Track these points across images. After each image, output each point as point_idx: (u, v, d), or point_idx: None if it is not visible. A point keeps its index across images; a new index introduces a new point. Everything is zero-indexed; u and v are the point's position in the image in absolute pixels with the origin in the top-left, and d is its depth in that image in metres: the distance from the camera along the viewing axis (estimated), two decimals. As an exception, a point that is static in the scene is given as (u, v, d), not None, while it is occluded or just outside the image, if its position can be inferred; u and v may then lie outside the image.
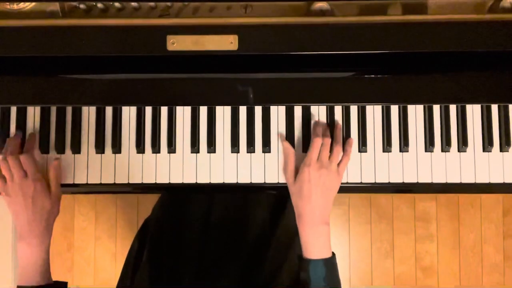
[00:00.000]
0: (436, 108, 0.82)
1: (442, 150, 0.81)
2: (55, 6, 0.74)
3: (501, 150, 0.81)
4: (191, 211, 0.91)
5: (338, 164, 0.75)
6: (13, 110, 0.81)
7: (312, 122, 0.82)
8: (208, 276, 0.83)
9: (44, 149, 0.80)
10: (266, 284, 0.81)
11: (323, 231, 0.71)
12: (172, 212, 0.93)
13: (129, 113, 0.81)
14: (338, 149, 0.75)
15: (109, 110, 0.81)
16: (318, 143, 0.74)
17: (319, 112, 0.82)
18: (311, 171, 0.72)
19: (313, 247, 0.70)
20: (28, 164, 0.73)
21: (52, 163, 0.78)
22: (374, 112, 0.82)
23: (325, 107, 0.82)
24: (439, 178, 0.80)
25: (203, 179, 0.81)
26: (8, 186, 0.73)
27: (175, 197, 0.95)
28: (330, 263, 0.69)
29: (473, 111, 0.82)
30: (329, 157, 0.75)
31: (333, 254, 0.71)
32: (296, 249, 0.87)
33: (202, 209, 0.91)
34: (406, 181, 0.81)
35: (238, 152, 0.81)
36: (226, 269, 0.84)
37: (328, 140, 0.75)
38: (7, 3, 0.73)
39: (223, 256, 0.85)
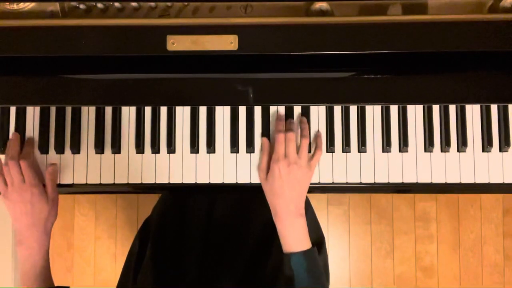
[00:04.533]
0: (436, 108, 0.82)
1: (442, 150, 0.81)
2: (55, 6, 0.74)
3: (500, 150, 0.81)
4: (193, 211, 0.92)
5: (311, 158, 0.76)
6: (13, 110, 0.81)
7: (274, 118, 0.81)
8: (210, 275, 0.83)
9: (44, 149, 0.81)
10: (269, 282, 0.81)
11: (300, 223, 0.71)
12: (174, 212, 0.93)
13: (128, 113, 0.82)
14: (304, 142, 0.75)
15: (108, 110, 0.81)
16: (281, 138, 0.74)
17: (319, 112, 0.82)
18: (280, 168, 0.72)
19: (292, 241, 0.70)
20: (26, 170, 0.74)
21: (48, 169, 0.78)
22: (373, 112, 0.82)
23: (324, 107, 0.82)
24: (438, 178, 0.80)
25: (202, 179, 0.81)
26: (8, 191, 0.74)
27: (176, 197, 0.95)
28: (310, 254, 0.70)
29: (473, 111, 0.81)
30: (298, 151, 0.75)
31: (313, 245, 0.72)
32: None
33: (204, 208, 0.91)
34: (405, 181, 0.81)
35: (237, 152, 0.81)
36: (229, 268, 0.84)
37: (291, 135, 0.74)
38: (7, 3, 0.73)
39: (225, 255, 0.85)
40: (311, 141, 0.81)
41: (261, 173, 0.76)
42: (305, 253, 0.70)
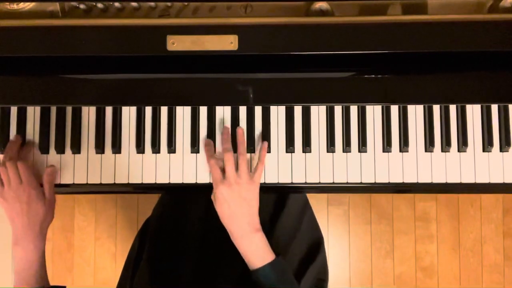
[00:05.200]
0: (436, 108, 0.82)
1: (442, 150, 0.81)
2: (55, 6, 0.74)
3: (501, 150, 0.81)
4: (191, 211, 0.91)
5: (254, 173, 0.75)
6: (13, 110, 0.81)
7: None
8: (207, 276, 0.83)
9: (44, 149, 0.80)
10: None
11: (258, 238, 0.71)
12: (172, 212, 0.93)
13: (129, 113, 0.81)
14: (241, 160, 0.74)
15: (109, 110, 0.81)
16: (212, 163, 0.74)
17: (319, 112, 0.82)
18: (222, 191, 0.72)
19: (255, 257, 0.70)
20: (24, 171, 0.74)
21: (46, 170, 0.78)
22: (374, 112, 0.82)
23: (325, 107, 0.82)
24: (439, 178, 0.80)
25: (203, 179, 0.81)
26: (5, 191, 0.74)
27: (175, 197, 0.95)
28: (276, 265, 0.70)
29: (473, 111, 0.81)
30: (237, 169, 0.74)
31: (277, 255, 0.72)
32: (294, 249, 0.87)
33: (203, 208, 0.91)
34: (406, 181, 0.81)
35: (238, 152, 0.81)
36: (226, 268, 0.84)
37: (228, 155, 0.74)
38: (7, 3, 0.73)
39: (222, 255, 0.85)
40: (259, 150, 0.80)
41: (212, 196, 0.75)
42: (271, 265, 0.70)
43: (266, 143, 0.79)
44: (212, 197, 0.75)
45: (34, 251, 0.73)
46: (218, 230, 0.88)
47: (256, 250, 0.71)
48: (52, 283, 0.76)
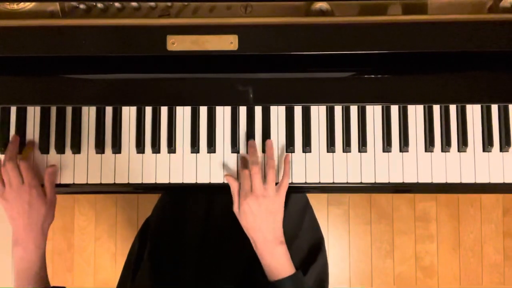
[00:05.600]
0: (436, 108, 0.82)
1: (442, 150, 0.81)
2: (55, 6, 0.74)
3: (501, 150, 0.81)
4: (192, 211, 0.92)
5: (279, 186, 0.74)
6: (13, 110, 0.81)
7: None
8: (208, 276, 0.83)
9: (44, 149, 0.80)
10: (266, 283, 0.81)
11: (281, 251, 0.72)
12: (173, 212, 0.93)
13: (129, 113, 0.81)
14: (271, 173, 0.74)
15: (109, 110, 0.81)
16: (245, 174, 0.74)
17: (319, 112, 0.82)
18: (249, 203, 0.72)
19: (276, 269, 0.71)
20: (25, 171, 0.74)
21: (47, 170, 0.78)
22: (374, 112, 0.82)
23: (325, 107, 0.82)
24: (439, 178, 0.80)
25: (203, 179, 0.81)
26: (6, 191, 0.74)
27: (175, 197, 0.95)
28: (296, 279, 0.70)
29: (473, 111, 0.81)
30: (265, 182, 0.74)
31: (297, 269, 0.72)
32: (295, 250, 0.87)
33: (203, 208, 0.91)
34: (406, 181, 0.81)
35: (238, 152, 0.81)
36: (227, 268, 0.84)
37: (255, 168, 0.73)
38: (7, 3, 0.73)
39: (223, 255, 0.85)
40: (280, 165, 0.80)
41: (235, 209, 0.75)
42: (291, 278, 0.70)
43: (289, 156, 0.78)
44: (235, 208, 0.75)
45: (34, 251, 0.73)
46: (218, 230, 0.89)
47: (278, 262, 0.71)
48: (52, 283, 0.76)
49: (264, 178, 0.75)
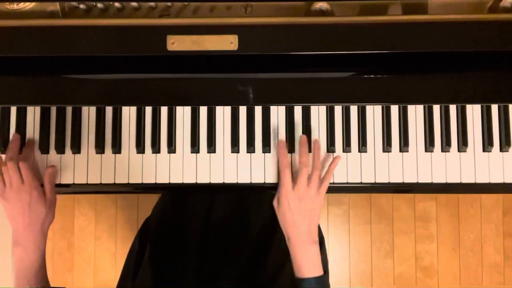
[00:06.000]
0: (436, 108, 0.82)
1: (442, 150, 0.81)
2: (55, 6, 0.74)
3: (501, 150, 0.81)
4: (192, 211, 0.92)
5: (321, 185, 0.75)
6: (13, 110, 0.81)
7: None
8: (210, 276, 0.83)
9: (44, 149, 0.80)
10: (268, 283, 0.81)
11: (313, 251, 0.72)
12: (173, 212, 0.93)
13: (129, 113, 0.81)
14: (316, 174, 0.74)
15: (109, 110, 0.81)
16: (287, 172, 0.74)
17: (319, 112, 0.82)
18: (289, 201, 0.73)
19: (305, 267, 0.71)
20: (25, 171, 0.74)
21: (47, 170, 0.78)
22: (374, 112, 0.82)
23: (325, 107, 0.82)
24: (439, 178, 0.80)
25: (203, 179, 0.81)
26: (6, 191, 0.74)
27: (176, 197, 0.95)
28: (322, 281, 0.71)
29: (473, 111, 0.81)
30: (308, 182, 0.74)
31: (325, 272, 0.73)
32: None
33: (203, 208, 0.91)
34: (406, 181, 0.81)
35: (238, 152, 0.81)
36: (228, 268, 0.84)
37: (305, 169, 0.74)
38: (7, 3, 0.73)
39: (224, 255, 0.85)
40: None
41: (275, 202, 0.76)
42: (317, 279, 0.70)
43: (338, 158, 0.78)
44: (275, 202, 0.76)
45: (34, 252, 0.73)
46: (219, 230, 0.89)
47: (308, 261, 0.72)
48: (52, 283, 0.76)
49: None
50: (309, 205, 0.73)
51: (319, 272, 0.71)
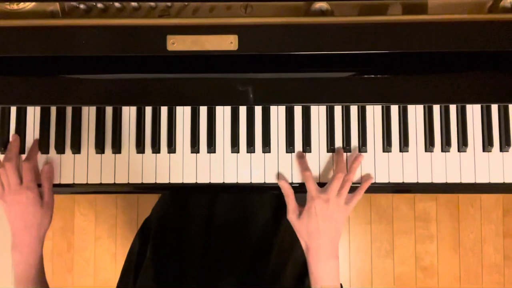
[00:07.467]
0: (436, 108, 0.82)
1: (442, 150, 0.81)
2: (55, 6, 0.74)
3: (501, 150, 0.81)
4: (193, 211, 0.91)
5: (351, 198, 0.74)
6: (13, 110, 0.81)
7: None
8: (211, 276, 0.83)
9: (44, 149, 0.80)
10: (270, 284, 0.81)
11: (334, 265, 0.70)
12: (174, 212, 0.93)
13: (129, 113, 0.82)
14: (347, 184, 0.73)
15: (109, 110, 0.81)
16: (309, 175, 0.74)
17: (319, 112, 0.82)
18: (316, 205, 0.70)
19: (323, 280, 0.69)
20: (26, 172, 0.74)
21: (43, 168, 0.77)
22: (374, 112, 0.82)
23: (325, 107, 0.82)
24: (439, 178, 0.80)
25: (203, 179, 0.81)
26: (5, 193, 0.74)
27: (176, 197, 0.95)
28: None
29: (473, 111, 0.82)
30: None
31: (341, 285, 0.71)
32: (298, 250, 0.87)
33: (204, 208, 0.91)
34: (406, 181, 0.81)
35: (238, 152, 0.81)
36: (230, 269, 0.84)
37: (340, 174, 0.73)
38: (7, 3, 0.73)
39: (226, 256, 0.85)
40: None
41: (292, 215, 0.74)
42: None
43: (372, 178, 0.78)
44: (291, 215, 0.74)
45: (30, 255, 0.73)
46: (220, 230, 0.89)
47: (327, 276, 0.70)
48: (52, 283, 0.76)
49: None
50: (336, 214, 0.71)
51: (336, 285, 0.69)
